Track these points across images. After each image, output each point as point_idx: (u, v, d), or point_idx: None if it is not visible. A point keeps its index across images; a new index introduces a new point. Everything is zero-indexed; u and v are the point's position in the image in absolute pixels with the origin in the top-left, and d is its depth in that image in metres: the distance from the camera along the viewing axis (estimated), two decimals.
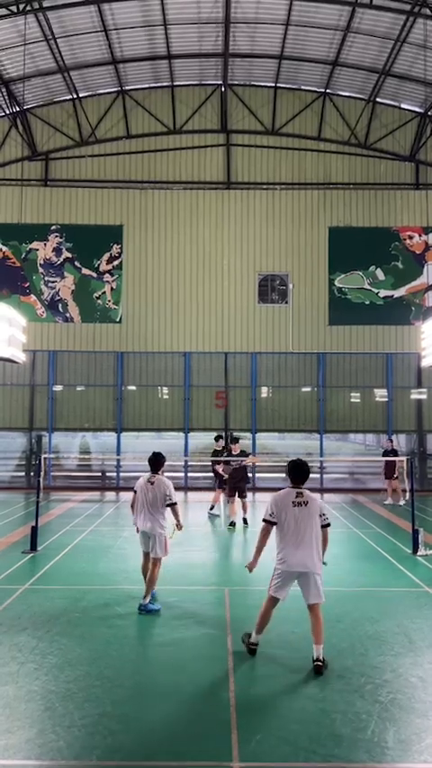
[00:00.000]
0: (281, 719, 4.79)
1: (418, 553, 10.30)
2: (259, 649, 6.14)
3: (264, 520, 5.87)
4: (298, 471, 5.91)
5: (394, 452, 16.65)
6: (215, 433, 20.64)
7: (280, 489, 6.10)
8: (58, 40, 17.03)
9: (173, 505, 7.46)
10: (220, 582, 8.69)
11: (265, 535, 5.85)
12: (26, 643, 6.27)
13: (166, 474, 7.92)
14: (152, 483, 7.49)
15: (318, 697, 5.14)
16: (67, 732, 4.55)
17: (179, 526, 7.63)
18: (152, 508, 7.41)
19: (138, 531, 7.67)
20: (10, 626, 6.77)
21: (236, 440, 14.47)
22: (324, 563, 5.94)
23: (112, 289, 20.35)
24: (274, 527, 5.81)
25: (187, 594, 7.96)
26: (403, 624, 6.94)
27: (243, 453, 13.87)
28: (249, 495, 19.00)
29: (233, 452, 13.58)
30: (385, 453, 16.96)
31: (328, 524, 5.86)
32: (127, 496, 18.26)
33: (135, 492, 7.68)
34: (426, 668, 5.75)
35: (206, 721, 4.76)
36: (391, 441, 17.73)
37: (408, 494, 12.52)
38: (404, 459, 14.30)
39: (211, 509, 14.82)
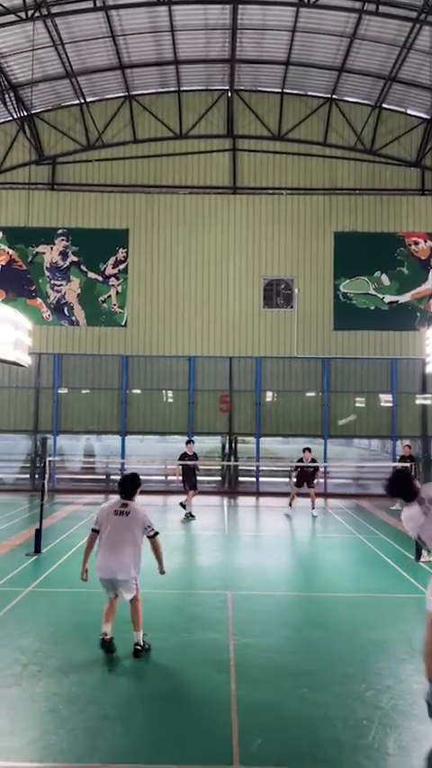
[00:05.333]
0: (282, 724, 4.82)
1: (421, 559, 10.29)
2: (261, 654, 6.17)
3: (91, 529, 6.30)
4: (121, 484, 6.38)
5: (411, 459, 16.25)
6: (220, 437, 20.79)
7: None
8: (65, 46, 17.16)
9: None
10: (223, 586, 8.71)
11: (89, 542, 6.28)
12: (30, 645, 6.31)
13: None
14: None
15: (319, 702, 5.16)
16: (70, 734, 4.59)
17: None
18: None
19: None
20: (14, 628, 6.81)
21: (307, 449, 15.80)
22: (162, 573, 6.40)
23: (117, 292, 20.43)
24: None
25: (190, 598, 7.99)
26: (405, 631, 6.95)
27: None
28: (253, 498, 19.07)
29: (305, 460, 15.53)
30: (402, 459, 16.74)
31: (155, 534, 6.18)
32: None
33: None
34: None
35: (208, 724, 4.79)
36: (409, 447, 17.51)
37: None
38: (407, 465, 14.28)
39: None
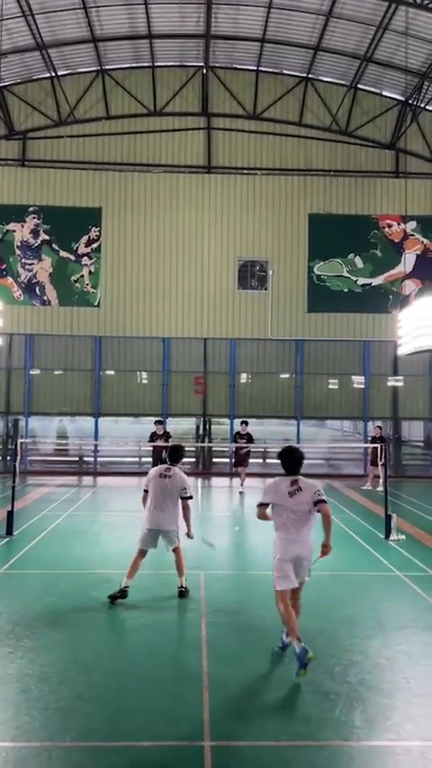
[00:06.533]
0: (252, 700, 4.91)
1: (391, 538, 10.52)
2: (232, 631, 6.26)
3: (143, 490, 7.41)
4: (169, 452, 7.59)
5: (382, 440, 16.49)
6: (194, 419, 20.82)
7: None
8: (36, 16, 16.64)
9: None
10: (196, 566, 8.76)
11: (143, 500, 7.40)
12: (1, 627, 6.30)
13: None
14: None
15: (288, 678, 5.27)
16: (42, 714, 4.61)
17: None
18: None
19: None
20: None
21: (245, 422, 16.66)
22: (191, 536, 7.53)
23: (90, 272, 20.15)
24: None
25: (163, 579, 8.02)
26: (374, 607, 7.12)
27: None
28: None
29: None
30: (373, 440, 17.00)
31: (189, 497, 7.24)
32: (104, 481, 18.30)
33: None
34: (394, 650, 5.92)
35: (179, 702, 4.86)
36: (380, 428, 17.77)
37: (381, 479, 12.75)
38: (377, 446, 14.50)
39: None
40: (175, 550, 7.40)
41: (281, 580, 5.42)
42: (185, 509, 7.25)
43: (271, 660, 5.66)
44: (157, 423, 15.75)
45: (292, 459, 5.61)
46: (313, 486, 5.52)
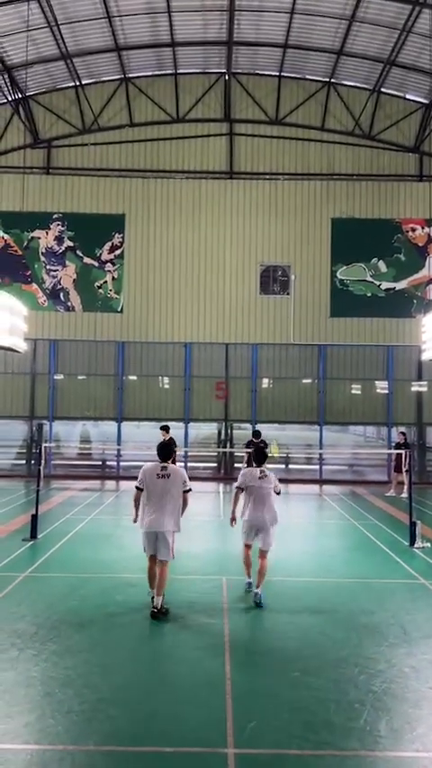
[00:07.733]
0: (275, 707, 4.87)
1: (415, 545, 10.38)
2: (256, 639, 6.23)
3: (136, 487, 7.17)
4: (159, 450, 7.33)
5: (406, 446, 16.23)
6: (216, 424, 20.81)
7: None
8: (60, 27, 16.90)
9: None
10: (218, 571, 8.77)
11: (135, 498, 7.19)
12: (26, 630, 6.36)
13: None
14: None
15: (312, 686, 5.22)
16: (66, 717, 4.63)
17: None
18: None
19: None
20: (10, 613, 6.85)
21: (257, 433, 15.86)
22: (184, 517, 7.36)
23: (113, 278, 20.33)
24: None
25: (185, 584, 8.03)
26: (398, 615, 7.02)
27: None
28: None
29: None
30: (397, 446, 16.76)
31: (188, 490, 7.15)
32: (127, 486, 18.38)
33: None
34: (419, 659, 5.83)
35: (202, 708, 4.85)
36: (404, 434, 17.51)
37: (406, 486, 12.59)
38: (402, 452, 14.33)
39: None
40: (163, 564, 6.90)
41: (246, 536, 7.77)
42: (184, 501, 7.03)
43: (295, 667, 5.61)
44: (162, 429, 15.06)
45: (260, 455, 7.93)
46: (274, 476, 7.79)
